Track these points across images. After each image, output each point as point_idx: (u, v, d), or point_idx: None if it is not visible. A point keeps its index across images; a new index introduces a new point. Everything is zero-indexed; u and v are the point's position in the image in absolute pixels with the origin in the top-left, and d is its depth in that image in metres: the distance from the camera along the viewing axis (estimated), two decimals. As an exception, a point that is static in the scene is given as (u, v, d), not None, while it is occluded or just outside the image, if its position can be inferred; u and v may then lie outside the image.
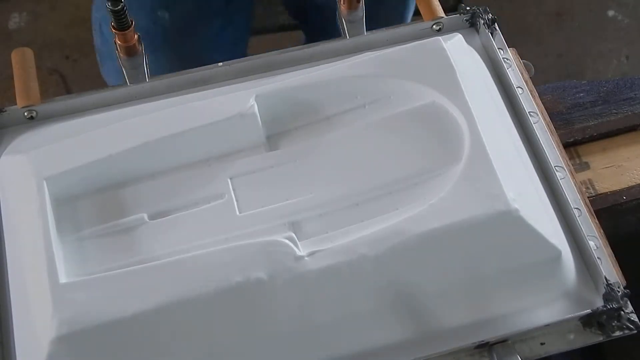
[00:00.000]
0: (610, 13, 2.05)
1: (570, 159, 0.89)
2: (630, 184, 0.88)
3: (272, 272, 0.63)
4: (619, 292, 0.66)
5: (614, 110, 0.94)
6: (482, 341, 0.64)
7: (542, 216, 0.67)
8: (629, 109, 0.94)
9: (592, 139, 0.92)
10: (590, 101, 0.96)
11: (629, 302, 0.66)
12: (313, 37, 1.31)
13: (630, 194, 0.87)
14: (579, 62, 1.99)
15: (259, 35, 1.69)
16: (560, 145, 0.75)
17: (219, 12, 1.17)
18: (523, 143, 0.74)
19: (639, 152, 0.91)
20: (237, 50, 1.21)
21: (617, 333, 0.65)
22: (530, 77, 0.81)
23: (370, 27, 0.80)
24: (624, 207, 0.87)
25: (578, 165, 0.90)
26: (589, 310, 0.65)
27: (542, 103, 0.78)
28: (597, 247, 0.68)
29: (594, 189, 0.88)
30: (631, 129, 0.93)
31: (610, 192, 0.88)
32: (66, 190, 0.68)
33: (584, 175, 0.89)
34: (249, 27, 1.24)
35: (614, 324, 0.65)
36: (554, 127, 0.77)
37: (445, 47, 0.73)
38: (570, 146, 0.91)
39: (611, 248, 0.70)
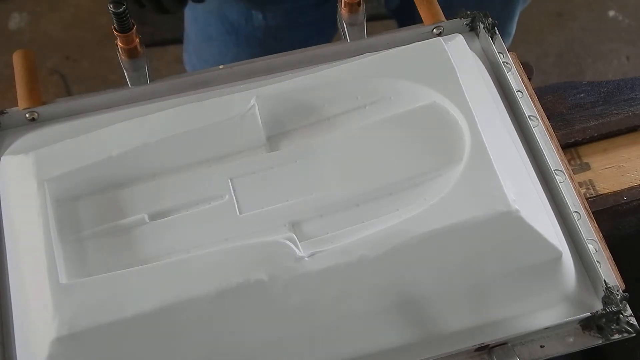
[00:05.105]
0: (611, 13, 2.05)
1: (570, 159, 0.89)
2: (631, 184, 0.88)
3: (273, 273, 0.63)
4: (618, 295, 0.66)
5: (615, 111, 0.94)
6: (482, 344, 0.64)
7: (542, 217, 0.67)
8: (629, 109, 0.94)
9: (593, 139, 0.92)
10: (591, 102, 0.96)
11: (627, 306, 0.66)
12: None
13: (630, 195, 0.87)
14: (579, 62, 1.99)
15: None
16: (560, 149, 0.75)
17: (310, 23, 1.19)
18: (523, 146, 0.74)
19: (639, 153, 0.91)
20: None
21: (616, 336, 0.65)
22: (531, 78, 0.81)
23: None
24: (624, 208, 0.87)
25: (579, 165, 0.90)
26: (588, 314, 0.65)
27: (543, 103, 0.78)
28: (596, 251, 0.68)
29: (594, 189, 0.88)
30: (632, 129, 0.93)
31: (610, 192, 0.88)
32: (67, 191, 0.68)
33: (584, 176, 0.89)
34: (333, 34, 1.25)
35: (612, 327, 0.65)
36: (555, 128, 0.77)
37: (445, 47, 0.73)
38: (571, 147, 0.91)
39: (611, 249, 0.70)
